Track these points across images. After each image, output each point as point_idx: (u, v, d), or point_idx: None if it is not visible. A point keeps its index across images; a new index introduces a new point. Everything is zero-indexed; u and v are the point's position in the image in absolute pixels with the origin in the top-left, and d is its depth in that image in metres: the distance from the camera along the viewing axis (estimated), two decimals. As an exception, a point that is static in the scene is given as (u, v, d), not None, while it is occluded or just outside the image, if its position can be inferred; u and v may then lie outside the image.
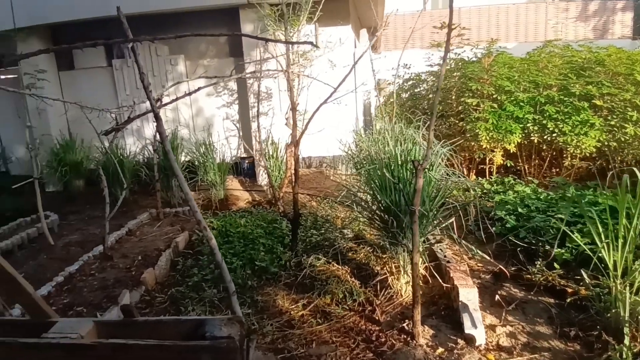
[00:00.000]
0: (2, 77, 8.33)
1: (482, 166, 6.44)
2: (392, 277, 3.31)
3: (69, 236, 5.07)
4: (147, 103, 5.43)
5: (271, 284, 3.76)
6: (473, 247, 3.52)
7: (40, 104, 6.21)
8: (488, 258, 3.57)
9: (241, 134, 7.35)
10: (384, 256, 3.83)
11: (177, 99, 3.64)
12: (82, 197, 6.88)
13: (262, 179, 6.98)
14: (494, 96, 6.05)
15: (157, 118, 2.20)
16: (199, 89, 3.82)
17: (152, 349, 1.40)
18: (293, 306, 3.39)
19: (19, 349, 1.51)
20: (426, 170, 2.71)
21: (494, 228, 4.16)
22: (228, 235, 4.55)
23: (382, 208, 3.17)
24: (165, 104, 3.82)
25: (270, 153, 6.26)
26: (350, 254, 4.20)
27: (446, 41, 2.31)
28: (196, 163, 6.57)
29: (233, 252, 4.12)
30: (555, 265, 3.46)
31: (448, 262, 3.46)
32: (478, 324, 2.77)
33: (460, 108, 6.36)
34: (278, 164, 6.27)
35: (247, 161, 7.18)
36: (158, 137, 5.50)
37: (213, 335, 1.42)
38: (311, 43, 1.95)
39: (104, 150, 6.23)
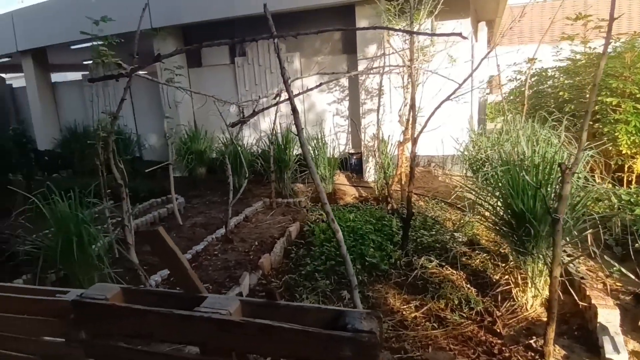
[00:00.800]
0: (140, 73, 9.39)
1: (619, 174, 5.70)
2: (517, 288, 3.07)
3: (194, 218, 5.55)
4: (265, 98, 5.65)
5: (381, 281, 3.73)
6: (615, 264, 3.12)
7: (176, 98, 6.88)
8: (633, 277, 3.14)
9: (350, 129, 7.41)
10: (505, 265, 3.58)
11: (299, 93, 3.77)
12: (204, 183, 7.51)
13: (369, 175, 6.97)
14: (637, 96, 5.31)
15: (295, 111, 2.28)
16: (320, 84, 3.92)
17: (296, 334, 1.44)
18: (405, 306, 3.32)
19: (174, 319, 1.65)
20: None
21: (637, 244, 3.64)
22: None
23: (510, 213, 2.94)
24: (285, 100, 3.97)
25: (380, 150, 6.20)
26: (464, 259, 3.99)
27: (607, 31, 2.05)
28: (306, 156, 6.77)
29: (343, 246, 4.16)
30: None
31: (582, 278, 3.11)
32: (621, 349, 2.45)
33: (596, 108, 5.68)
34: (387, 161, 6.19)
35: (354, 157, 7.22)
36: (280, 128, 5.75)
37: (355, 327, 1.41)
38: (459, 34, 1.85)
39: (229, 140, 6.69)
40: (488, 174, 3.65)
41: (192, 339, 1.62)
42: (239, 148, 5.94)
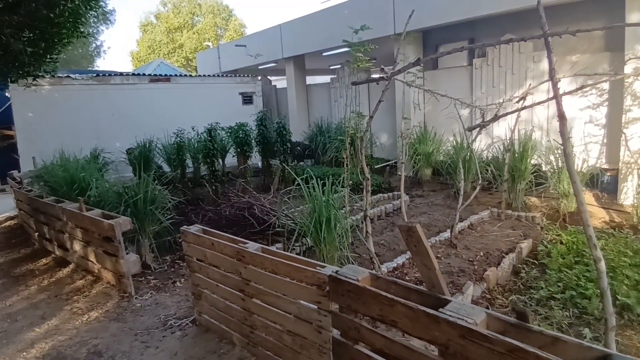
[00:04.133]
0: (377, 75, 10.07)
1: None
2: None
3: (417, 217, 5.69)
4: (498, 102, 5.28)
5: (635, 327, 3.11)
6: None
7: (417, 100, 7.10)
8: None
9: (606, 141, 6.30)
10: None
11: (550, 99, 3.42)
12: (427, 185, 7.61)
13: (626, 197, 5.80)
14: None
15: (562, 118, 2.10)
16: (582, 87, 3.48)
17: (551, 365, 1.35)
18: (668, 366, 2.69)
19: (420, 315, 1.75)
20: None
21: None
22: (582, 255, 4.03)
23: None
24: (538, 103, 3.66)
25: (647, 168, 5.10)
26: None
27: None
28: (544, 168, 6.10)
29: (588, 277, 3.62)
30: None
31: None
32: None
33: None
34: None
35: (608, 173, 6.11)
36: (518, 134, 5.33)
37: (630, 378, 1.23)
38: None
39: (460, 144, 6.61)
40: None
41: (434, 338, 1.69)
42: (472, 153, 5.76)
